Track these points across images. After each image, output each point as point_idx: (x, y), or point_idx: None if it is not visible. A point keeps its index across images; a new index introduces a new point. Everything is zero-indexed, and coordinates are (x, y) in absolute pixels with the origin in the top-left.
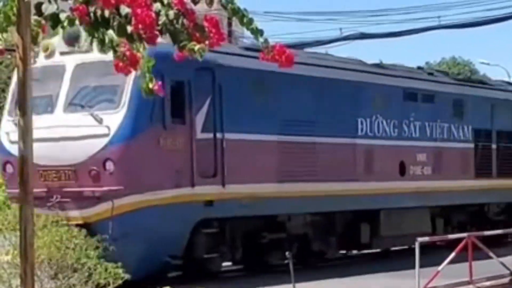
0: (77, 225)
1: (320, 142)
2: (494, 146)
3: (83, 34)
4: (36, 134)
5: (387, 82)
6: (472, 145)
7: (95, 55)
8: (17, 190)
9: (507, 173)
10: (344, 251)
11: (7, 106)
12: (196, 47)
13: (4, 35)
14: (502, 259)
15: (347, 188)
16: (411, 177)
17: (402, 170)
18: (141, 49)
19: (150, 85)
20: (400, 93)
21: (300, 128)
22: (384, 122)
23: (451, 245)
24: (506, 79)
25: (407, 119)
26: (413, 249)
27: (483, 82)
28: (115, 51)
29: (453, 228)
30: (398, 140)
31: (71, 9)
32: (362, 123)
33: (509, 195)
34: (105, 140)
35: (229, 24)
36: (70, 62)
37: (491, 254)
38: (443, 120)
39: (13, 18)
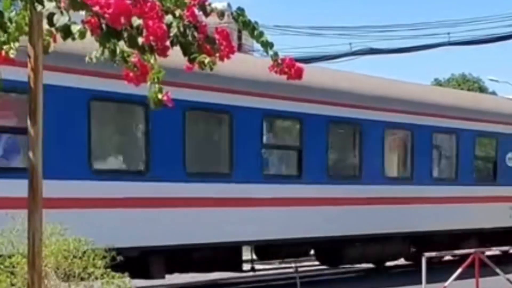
0: None
1: None
2: None
3: None
4: None
5: None
6: None
7: None
8: None
9: None
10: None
11: None
12: (207, 60)
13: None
14: (509, 276)
15: None
16: None
17: None
18: (151, 60)
19: (159, 96)
20: None
21: None
22: None
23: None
24: None
25: None
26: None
27: None
28: (126, 62)
29: None
30: None
31: (83, 22)
32: None
33: None
34: None
35: (239, 37)
36: None
37: (498, 270)
38: None
39: (25, 28)
